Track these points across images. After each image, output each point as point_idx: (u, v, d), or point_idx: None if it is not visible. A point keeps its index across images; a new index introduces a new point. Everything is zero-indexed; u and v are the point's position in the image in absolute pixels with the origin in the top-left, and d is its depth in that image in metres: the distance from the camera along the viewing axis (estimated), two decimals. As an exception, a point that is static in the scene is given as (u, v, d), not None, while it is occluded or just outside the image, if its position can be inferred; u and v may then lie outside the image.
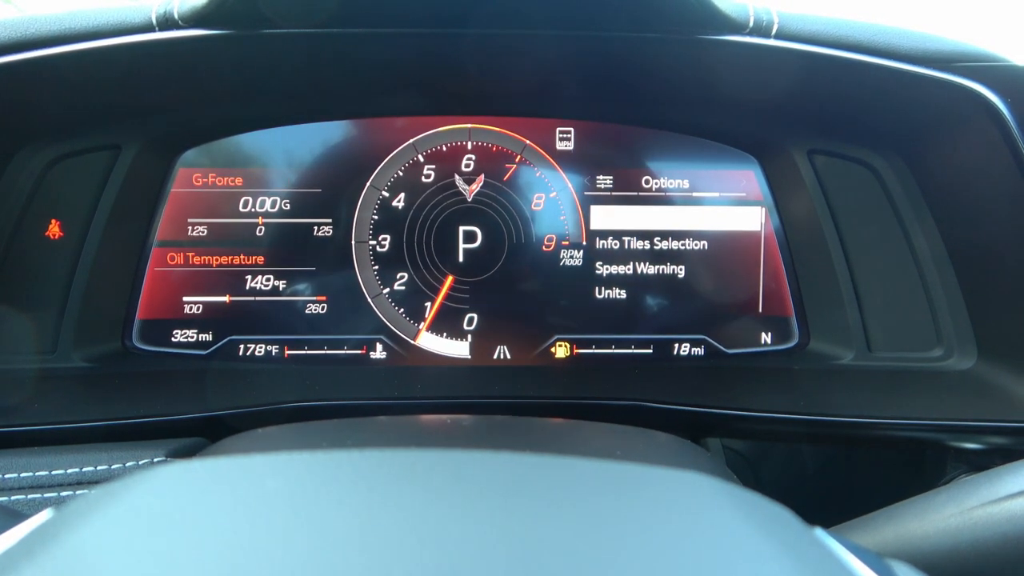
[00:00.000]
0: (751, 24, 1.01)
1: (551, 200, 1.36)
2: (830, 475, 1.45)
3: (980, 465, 1.10)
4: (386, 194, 1.34)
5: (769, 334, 1.38)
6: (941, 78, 1.01)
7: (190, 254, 1.32)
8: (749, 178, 1.36)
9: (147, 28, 0.99)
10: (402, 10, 1.02)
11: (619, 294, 1.38)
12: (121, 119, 1.23)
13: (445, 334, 1.37)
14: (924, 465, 1.23)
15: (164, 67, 1.09)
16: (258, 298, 1.34)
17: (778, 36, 1.02)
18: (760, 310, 1.37)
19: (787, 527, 0.48)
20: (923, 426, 1.11)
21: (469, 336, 1.37)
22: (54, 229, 1.24)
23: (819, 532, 0.50)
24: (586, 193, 1.36)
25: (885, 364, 1.31)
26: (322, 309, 1.35)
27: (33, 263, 1.23)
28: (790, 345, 1.38)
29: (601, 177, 1.36)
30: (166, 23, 0.99)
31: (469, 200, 1.35)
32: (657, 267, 1.37)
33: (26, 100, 1.10)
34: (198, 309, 1.33)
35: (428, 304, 1.37)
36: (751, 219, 1.36)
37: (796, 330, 1.37)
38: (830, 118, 1.25)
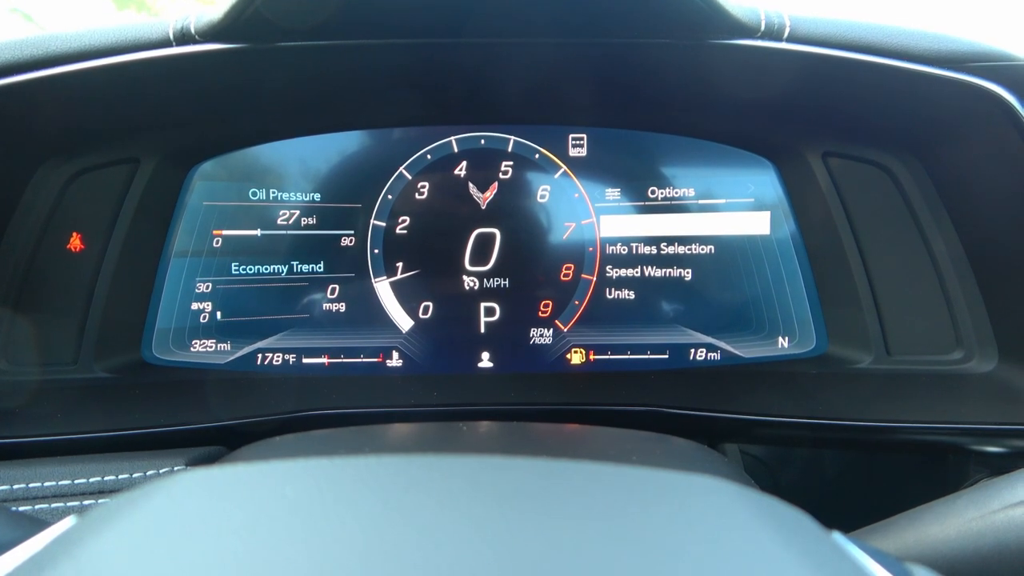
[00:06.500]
0: (762, 28, 1.01)
1: (565, 206, 1.36)
2: (850, 479, 1.44)
3: (1002, 468, 1.08)
4: (401, 202, 1.35)
5: (786, 339, 1.37)
6: (956, 78, 1.00)
7: (208, 265, 1.33)
8: (764, 182, 1.35)
9: (165, 43, 1.01)
10: (408, 20, 1.03)
11: (634, 299, 1.37)
12: (139, 133, 1.25)
13: (462, 341, 1.37)
14: (946, 469, 1.21)
15: (181, 81, 1.11)
16: (276, 307, 1.35)
17: (790, 39, 1.01)
18: (777, 315, 1.36)
19: (805, 531, 0.48)
20: (944, 430, 1.10)
21: (485, 343, 1.38)
22: (75, 242, 1.26)
23: (837, 536, 0.49)
24: (599, 200, 1.36)
25: (904, 368, 1.29)
26: (339, 318, 1.36)
27: (55, 276, 1.25)
28: (808, 350, 1.37)
29: (614, 183, 1.36)
30: (183, 38, 1.01)
31: (483, 207, 1.35)
32: (672, 272, 1.37)
33: (47, 116, 1.12)
34: (216, 319, 1.34)
35: (445, 311, 1.37)
36: (766, 223, 1.35)
37: (814, 335, 1.36)
38: (844, 120, 1.24)
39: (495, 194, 1.36)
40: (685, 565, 0.41)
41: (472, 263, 1.36)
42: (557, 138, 1.36)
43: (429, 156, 1.35)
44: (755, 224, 1.36)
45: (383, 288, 1.36)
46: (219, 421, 1.11)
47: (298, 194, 1.34)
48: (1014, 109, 0.99)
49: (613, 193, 1.36)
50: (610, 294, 1.38)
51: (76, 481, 0.95)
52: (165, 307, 1.33)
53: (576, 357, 1.38)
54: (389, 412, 1.19)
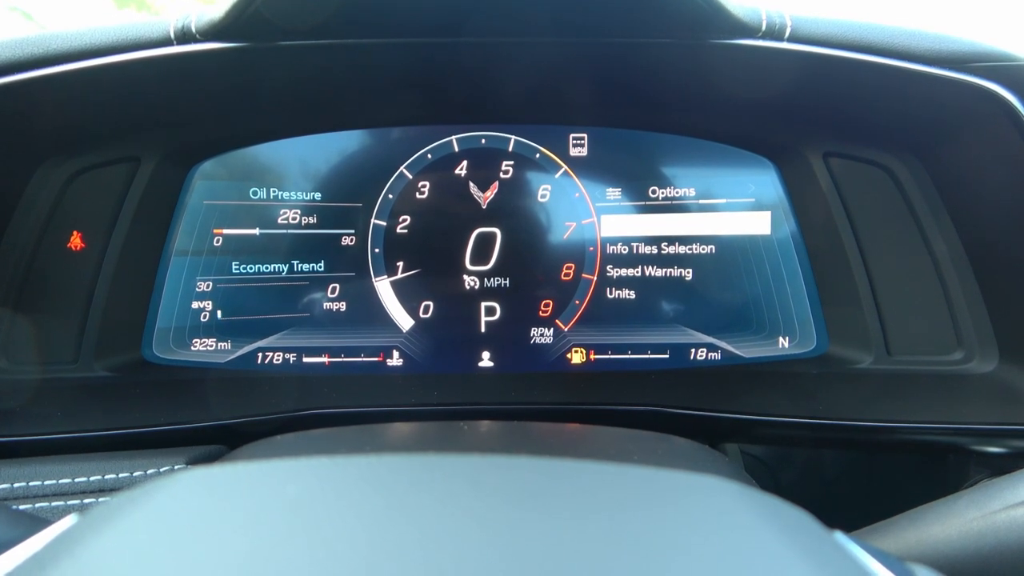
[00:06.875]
0: (764, 27, 1.01)
1: (565, 206, 1.36)
2: (851, 479, 1.44)
3: (1003, 469, 1.08)
4: (402, 202, 1.35)
5: (787, 339, 1.37)
6: (957, 79, 1.00)
7: (208, 264, 1.33)
8: (765, 182, 1.35)
9: (166, 42, 1.01)
10: (408, 20, 1.03)
11: (634, 299, 1.37)
12: (140, 132, 1.25)
13: (462, 341, 1.37)
14: (946, 469, 1.21)
15: (182, 80, 1.11)
16: (276, 306, 1.35)
17: (791, 39, 1.01)
18: (778, 315, 1.36)
19: (807, 530, 0.48)
20: (944, 430, 1.10)
21: (486, 343, 1.37)
22: (76, 241, 1.26)
23: (839, 535, 0.49)
24: (600, 199, 1.36)
25: (905, 368, 1.29)
26: (340, 317, 1.36)
27: (55, 275, 1.25)
28: (808, 350, 1.37)
29: (615, 182, 1.36)
30: (184, 37, 1.01)
31: (484, 207, 1.35)
32: (673, 272, 1.37)
33: (47, 115, 1.12)
34: (217, 318, 1.34)
35: (445, 311, 1.37)
36: (767, 223, 1.35)
37: (814, 334, 1.36)
38: (845, 120, 1.24)
39: (496, 193, 1.35)
40: (688, 565, 0.40)
41: (473, 262, 1.36)
42: (558, 138, 1.36)
43: (430, 155, 1.35)
44: (756, 224, 1.35)
45: (384, 287, 1.36)
46: (219, 420, 1.11)
47: (298, 193, 1.34)
48: (1015, 109, 0.98)
49: (614, 193, 1.36)
50: (611, 294, 1.37)
51: (77, 480, 0.95)
52: (165, 306, 1.33)
53: (577, 357, 1.38)
54: (389, 411, 1.19)
